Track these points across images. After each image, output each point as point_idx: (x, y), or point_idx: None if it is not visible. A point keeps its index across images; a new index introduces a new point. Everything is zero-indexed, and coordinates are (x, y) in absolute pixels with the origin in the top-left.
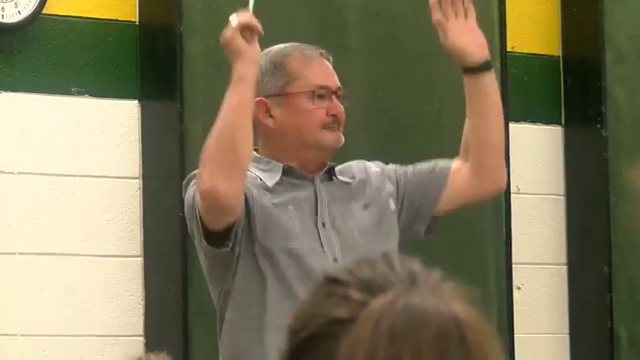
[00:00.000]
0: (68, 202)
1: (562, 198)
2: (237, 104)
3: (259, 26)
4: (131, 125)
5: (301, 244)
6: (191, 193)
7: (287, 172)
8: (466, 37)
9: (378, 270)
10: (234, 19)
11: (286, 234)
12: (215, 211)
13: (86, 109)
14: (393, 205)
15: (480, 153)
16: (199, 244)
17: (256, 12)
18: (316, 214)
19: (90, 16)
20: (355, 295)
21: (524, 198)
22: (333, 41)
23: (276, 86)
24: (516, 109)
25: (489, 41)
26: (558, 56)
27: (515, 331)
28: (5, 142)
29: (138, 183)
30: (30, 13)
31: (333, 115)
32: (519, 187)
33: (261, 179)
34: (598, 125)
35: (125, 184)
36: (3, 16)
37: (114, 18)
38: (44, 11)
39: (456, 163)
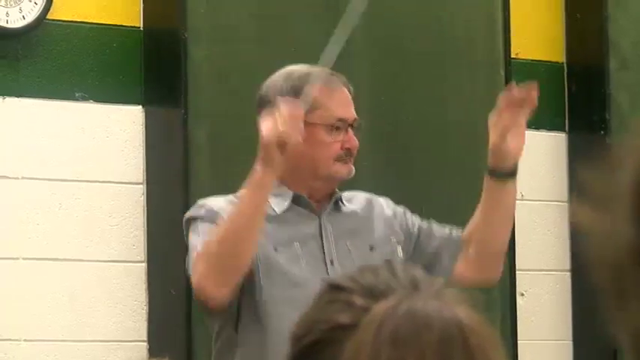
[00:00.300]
0: (72, 207)
1: (566, 204)
2: (250, 213)
3: (300, 140)
4: (135, 131)
5: (306, 290)
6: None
7: (296, 200)
8: (514, 140)
9: (381, 277)
10: (283, 116)
11: (291, 281)
12: (201, 304)
13: (90, 114)
14: (400, 254)
15: (482, 251)
16: None
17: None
18: (323, 251)
19: (94, 21)
20: (358, 301)
21: (528, 204)
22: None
23: None
24: None
25: (493, 48)
26: (562, 63)
27: (518, 337)
28: (9, 147)
29: (142, 188)
30: (34, 18)
31: (347, 149)
32: (523, 193)
33: (270, 205)
34: (602, 132)
35: (129, 190)
36: (7, 21)
37: (118, 23)
38: (48, 16)
39: (463, 236)
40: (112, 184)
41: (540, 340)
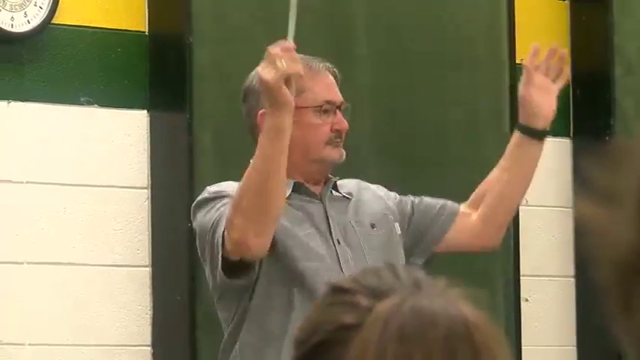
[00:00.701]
0: (76, 211)
1: (570, 210)
2: (273, 156)
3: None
4: (140, 135)
5: (322, 264)
6: (216, 228)
7: (297, 188)
8: (544, 97)
9: (383, 278)
10: (277, 55)
11: (306, 253)
12: (242, 256)
13: (95, 118)
14: (399, 230)
15: (496, 210)
16: (212, 273)
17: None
18: (330, 232)
19: (99, 26)
20: (362, 301)
21: (533, 210)
22: (340, 50)
23: None
24: None
25: (498, 53)
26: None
27: (522, 343)
28: (14, 152)
29: (146, 193)
30: (39, 22)
31: (337, 130)
32: (527, 199)
33: None
34: (607, 137)
35: (133, 194)
36: (12, 25)
37: (123, 28)
38: (53, 21)
39: (464, 208)
40: (117, 189)
41: (544, 346)
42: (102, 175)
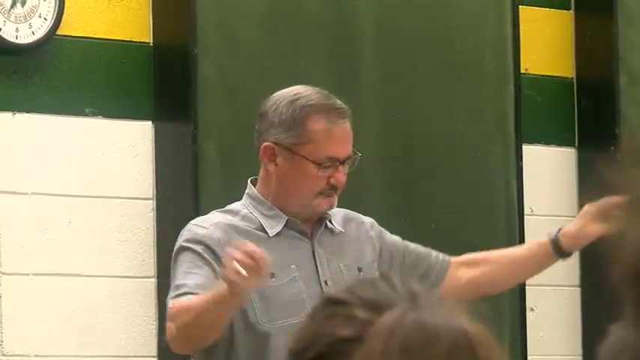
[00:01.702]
0: (82, 222)
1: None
2: (217, 319)
3: (260, 285)
4: (145, 146)
5: (305, 313)
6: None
7: (289, 224)
8: (591, 234)
9: (380, 289)
10: (245, 265)
11: (289, 308)
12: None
13: (100, 129)
14: None
15: (485, 286)
16: None
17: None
18: (317, 273)
19: (104, 37)
20: (360, 314)
21: (538, 219)
22: (345, 59)
23: (289, 141)
24: (530, 131)
25: (503, 63)
26: (572, 78)
27: (528, 353)
28: (19, 163)
29: (151, 204)
30: (44, 34)
31: (332, 185)
32: (533, 208)
33: (261, 225)
34: (612, 147)
35: (139, 205)
36: (17, 37)
37: (128, 39)
38: (58, 32)
39: (453, 264)
40: (122, 200)
41: (550, 356)
42: (107, 186)
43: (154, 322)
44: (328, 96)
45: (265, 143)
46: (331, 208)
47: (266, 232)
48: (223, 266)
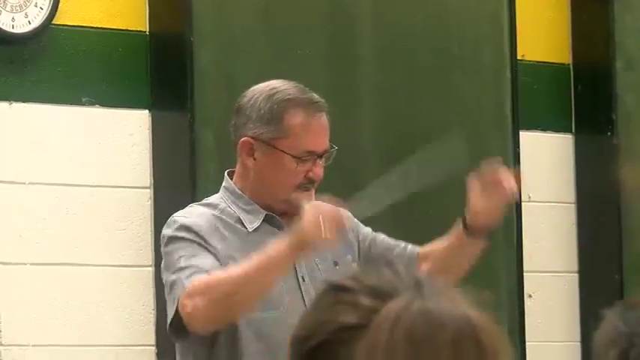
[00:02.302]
0: (79, 212)
1: (573, 206)
2: (267, 283)
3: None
4: (142, 135)
5: (283, 307)
6: (174, 288)
7: (268, 219)
8: (489, 213)
9: (384, 277)
10: (331, 222)
11: (266, 302)
12: (179, 327)
13: (97, 118)
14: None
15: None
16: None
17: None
18: (295, 268)
19: (100, 26)
20: (364, 301)
21: (535, 206)
22: (344, 51)
23: (267, 136)
24: (527, 118)
25: (500, 49)
26: (568, 64)
27: (526, 339)
28: (16, 153)
29: (149, 193)
30: (40, 23)
31: (310, 178)
32: (530, 195)
33: (239, 219)
34: (609, 133)
35: (136, 194)
36: (13, 26)
37: (124, 28)
38: (54, 21)
39: (421, 255)
40: (119, 189)
41: (548, 342)
42: (104, 175)
43: (152, 311)
44: (305, 90)
45: (243, 138)
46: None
47: (244, 226)
48: (304, 220)
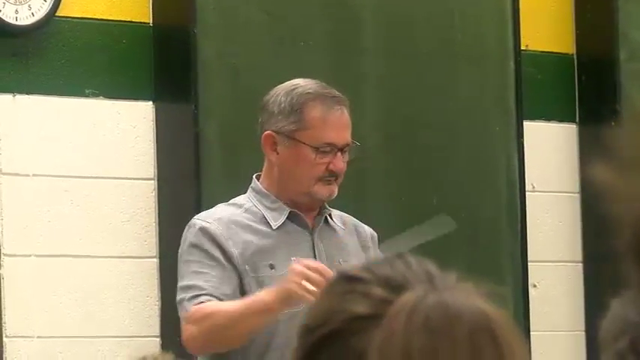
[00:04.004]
0: (83, 203)
1: (577, 195)
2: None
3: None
4: (146, 126)
5: (303, 304)
6: (182, 303)
7: (291, 217)
8: None
9: (396, 268)
10: (314, 283)
11: None
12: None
13: (101, 110)
14: None
15: None
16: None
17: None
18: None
19: (103, 17)
20: (376, 292)
21: (539, 196)
22: (347, 41)
23: (288, 128)
24: (531, 107)
25: (503, 39)
26: (572, 54)
27: (531, 329)
28: (20, 145)
29: (153, 184)
30: (43, 15)
31: (331, 171)
32: (534, 185)
33: (264, 217)
34: (613, 123)
35: (140, 186)
36: (17, 18)
37: (128, 20)
38: (58, 13)
39: None
40: (123, 180)
41: (553, 331)
42: (108, 166)
43: (157, 303)
44: (326, 86)
45: (266, 132)
46: (331, 196)
47: (269, 225)
48: (288, 280)
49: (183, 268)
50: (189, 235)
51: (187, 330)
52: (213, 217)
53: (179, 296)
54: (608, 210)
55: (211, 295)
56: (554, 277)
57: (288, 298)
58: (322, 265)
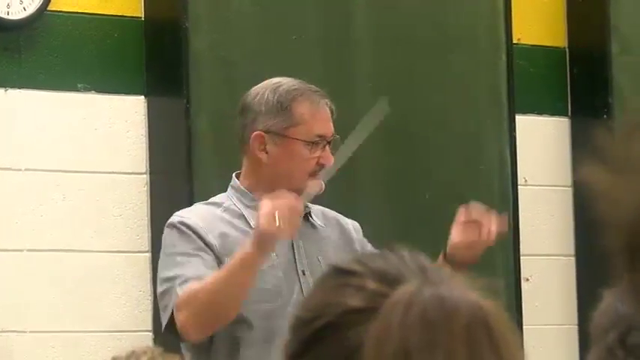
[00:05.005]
0: (75, 198)
1: (569, 189)
2: (243, 284)
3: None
4: (137, 121)
5: (281, 299)
6: (168, 293)
7: None
8: (470, 251)
9: (390, 262)
10: (280, 212)
11: (266, 294)
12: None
13: (92, 105)
14: None
15: None
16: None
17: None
18: (295, 262)
19: (95, 12)
20: (371, 285)
21: (532, 189)
22: (339, 34)
23: (278, 126)
24: (523, 101)
25: (495, 33)
26: (564, 47)
27: (523, 323)
28: (12, 139)
29: (145, 178)
30: (35, 9)
31: (321, 165)
32: (527, 178)
33: (243, 216)
34: (605, 116)
35: (132, 180)
36: (8, 12)
37: (119, 14)
38: (49, 8)
39: None
40: (115, 175)
41: (545, 325)
42: (100, 161)
43: (149, 297)
44: (304, 82)
45: (255, 132)
46: (320, 190)
47: (248, 223)
48: (258, 218)
49: (167, 261)
50: (169, 230)
51: (180, 317)
52: (192, 213)
53: (164, 286)
54: (600, 211)
55: (194, 280)
56: (546, 270)
57: (261, 238)
58: (290, 197)
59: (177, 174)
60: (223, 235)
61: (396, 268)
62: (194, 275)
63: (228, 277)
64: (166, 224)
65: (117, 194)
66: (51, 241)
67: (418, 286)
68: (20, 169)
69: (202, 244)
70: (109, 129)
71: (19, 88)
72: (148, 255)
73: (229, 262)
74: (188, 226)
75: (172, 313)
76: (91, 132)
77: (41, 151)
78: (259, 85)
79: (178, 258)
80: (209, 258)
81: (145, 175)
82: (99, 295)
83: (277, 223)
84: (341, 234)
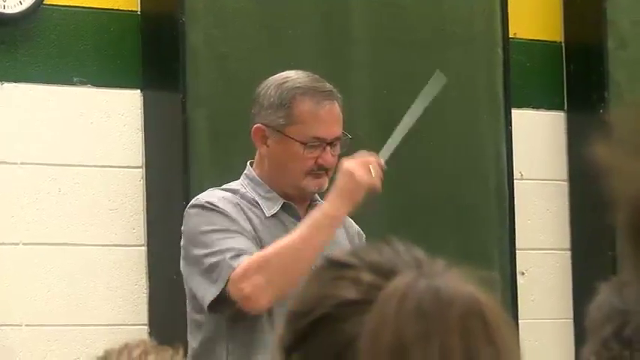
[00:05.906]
0: (71, 191)
1: (565, 183)
2: (325, 241)
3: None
4: (134, 115)
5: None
6: (219, 266)
7: (285, 208)
8: None
9: (385, 254)
10: (372, 163)
11: None
12: (242, 307)
13: (89, 98)
14: None
15: None
16: (195, 299)
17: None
18: None
19: (91, 5)
20: (366, 277)
21: (528, 184)
22: (336, 29)
23: (277, 123)
24: (519, 95)
25: (492, 28)
26: (560, 42)
27: (519, 317)
28: (8, 133)
29: (141, 172)
30: (31, 3)
31: (320, 165)
32: (522, 172)
33: (258, 205)
34: (601, 110)
35: (128, 174)
36: (4, 6)
37: (116, 7)
38: (45, 1)
39: None
40: (111, 169)
41: (541, 319)
42: (96, 155)
43: (145, 291)
44: (317, 79)
45: (256, 125)
46: (321, 189)
47: (262, 212)
48: (344, 172)
49: (204, 238)
50: (198, 210)
51: (246, 286)
52: (217, 197)
53: (210, 260)
54: (606, 187)
55: (248, 254)
56: (542, 264)
57: (355, 186)
58: (371, 155)
59: (173, 168)
60: (248, 220)
61: (391, 260)
62: (246, 247)
63: (309, 237)
64: (191, 205)
65: (113, 188)
66: (47, 234)
67: (413, 278)
68: (16, 163)
69: (239, 224)
70: (105, 123)
71: (16, 81)
72: (144, 248)
73: (306, 223)
74: (219, 208)
75: (224, 287)
76: (87, 126)
77: (37, 145)
78: (272, 77)
79: (219, 234)
80: (250, 237)
81: (140, 169)
82: (95, 288)
83: (373, 175)
84: (347, 234)
